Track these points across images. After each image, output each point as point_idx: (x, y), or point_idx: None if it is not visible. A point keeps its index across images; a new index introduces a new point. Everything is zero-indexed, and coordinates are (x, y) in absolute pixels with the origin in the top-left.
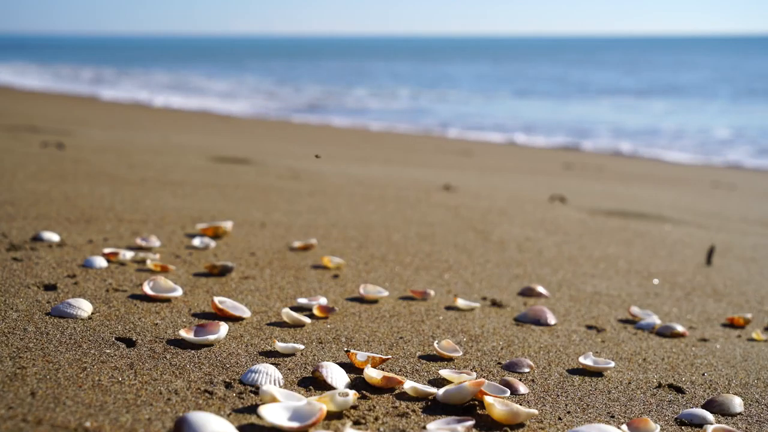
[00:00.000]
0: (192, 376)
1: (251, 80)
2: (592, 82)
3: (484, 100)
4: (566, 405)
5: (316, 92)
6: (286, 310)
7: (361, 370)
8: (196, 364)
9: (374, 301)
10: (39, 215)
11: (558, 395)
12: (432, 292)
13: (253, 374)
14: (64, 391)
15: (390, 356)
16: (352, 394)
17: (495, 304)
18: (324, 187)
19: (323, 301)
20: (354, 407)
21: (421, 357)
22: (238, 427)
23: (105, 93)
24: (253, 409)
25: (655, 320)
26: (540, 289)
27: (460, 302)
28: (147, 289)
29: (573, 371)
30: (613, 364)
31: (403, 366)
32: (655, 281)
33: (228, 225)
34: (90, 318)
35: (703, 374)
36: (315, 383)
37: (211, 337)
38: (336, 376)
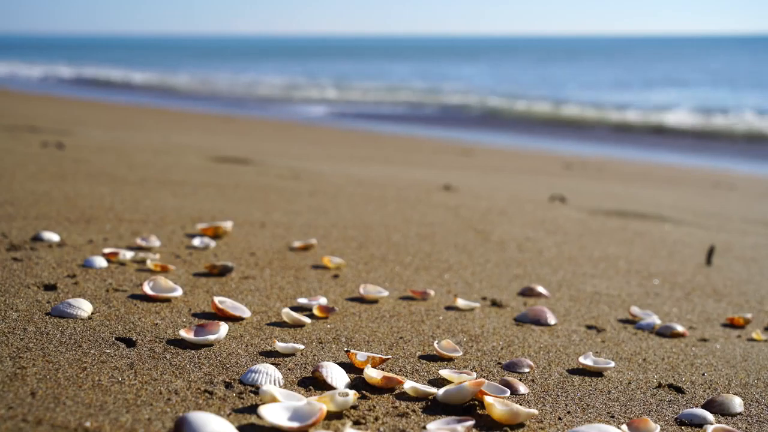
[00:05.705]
0: (192, 376)
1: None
2: (595, 82)
3: (485, 100)
4: (566, 405)
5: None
6: (286, 310)
7: (361, 370)
8: (196, 364)
9: (374, 301)
10: (39, 215)
11: (558, 395)
12: (432, 292)
13: (253, 374)
14: (64, 391)
15: (390, 356)
16: (352, 394)
17: (495, 304)
18: (324, 187)
19: (323, 301)
20: (354, 407)
21: (421, 357)
22: (238, 427)
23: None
24: (253, 409)
25: (655, 320)
26: (540, 289)
27: (460, 302)
28: (147, 289)
29: (573, 371)
30: (613, 364)
31: (403, 366)
32: (655, 281)
33: (228, 225)
34: (90, 318)
35: (703, 374)
36: (315, 383)
37: (211, 337)
38: (336, 376)
